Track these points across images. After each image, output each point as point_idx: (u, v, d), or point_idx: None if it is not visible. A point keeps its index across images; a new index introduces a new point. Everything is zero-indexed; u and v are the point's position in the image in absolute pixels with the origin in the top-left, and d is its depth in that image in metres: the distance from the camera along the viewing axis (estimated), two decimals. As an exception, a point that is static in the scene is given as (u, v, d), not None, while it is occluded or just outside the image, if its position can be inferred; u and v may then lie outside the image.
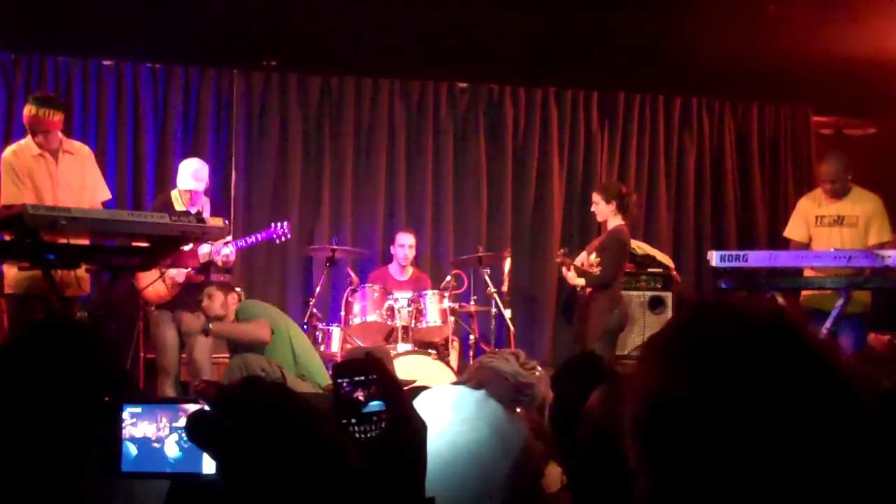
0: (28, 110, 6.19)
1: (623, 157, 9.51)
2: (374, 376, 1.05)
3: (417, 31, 7.63)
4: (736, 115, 9.82)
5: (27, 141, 6.32)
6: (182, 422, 1.60)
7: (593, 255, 6.95)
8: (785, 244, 7.29)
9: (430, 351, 7.18)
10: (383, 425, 1.03)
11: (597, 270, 6.87)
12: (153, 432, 1.62)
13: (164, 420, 1.61)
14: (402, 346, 7.22)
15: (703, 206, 9.63)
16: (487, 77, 9.17)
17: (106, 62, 8.46)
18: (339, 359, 6.92)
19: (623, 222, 7.05)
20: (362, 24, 7.53)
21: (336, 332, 7.46)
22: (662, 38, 7.72)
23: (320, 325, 7.56)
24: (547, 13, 7.28)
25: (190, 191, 6.93)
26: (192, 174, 6.98)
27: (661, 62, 8.40)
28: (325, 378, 6.25)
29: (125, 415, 1.63)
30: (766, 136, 9.85)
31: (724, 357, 1.06)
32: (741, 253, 6.41)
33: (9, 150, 6.37)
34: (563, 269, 7.10)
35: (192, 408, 1.61)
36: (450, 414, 1.93)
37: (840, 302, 6.21)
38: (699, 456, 1.04)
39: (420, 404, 1.44)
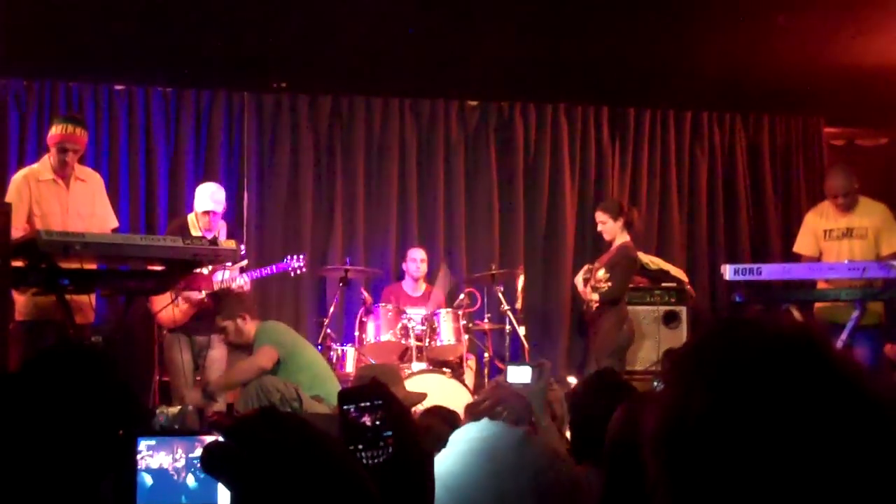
0: (58, 129, 6.22)
1: (635, 171, 9.50)
2: (380, 402, 1.05)
3: (426, 50, 7.65)
4: (747, 127, 9.79)
5: (40, 165, 6.35)
6: (198, 452, 1.60)
7: (602, 272, 6.96)
8: (797, 259, 7.26)
9: (444, 369, 7.17)
10: (390, 451, 1.02)
11: (606, 286, 6.88)
12: (169, 463, 1.61)
13: (179, 451, 1.61)
14: (417, 366, 7.22)
15: (716, 220, 9.60)
16: (497, 94, 9.18)
17: (117, 87, 8.49)
18: (354, 378, 6.91)
19: (629, 238, 7.10)
20: (371, 43, 7.55)
21: (350, 352, 7.46)
22: (672, 52, 7.71)
23: (335, 346, 7.56)
24: (556, 30, 7.29)
25: (209, 212, 6.95)
26: (209, 196, 7.01)
27: (671, 76, 8.39)
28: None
29: (141, 446, 1.63)
30: (778, 148, 9.82)
31: (746, 373, 1.04)
32: (755, 266, 6.41)
33: (20, 173, 6.40)
34: (582, 284, 7.09)
35: (208, 439, 1.61)
36: (487, 463, 1.89)
37: (855, 314, 6.19)
38: (719, 473, 1.02)
39: (456, 445, 1.43)
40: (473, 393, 7.00)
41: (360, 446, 1.03)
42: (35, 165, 6.44)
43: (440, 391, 6.54)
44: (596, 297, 6.97)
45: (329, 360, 7.47)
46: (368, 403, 1.06)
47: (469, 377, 7.50)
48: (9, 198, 6.10)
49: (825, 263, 6.76)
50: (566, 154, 9.31)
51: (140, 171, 8.48)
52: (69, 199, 6.31)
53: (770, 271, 6.35)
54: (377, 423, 1.05)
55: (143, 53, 7.74)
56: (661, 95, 9.16)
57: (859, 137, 10.20)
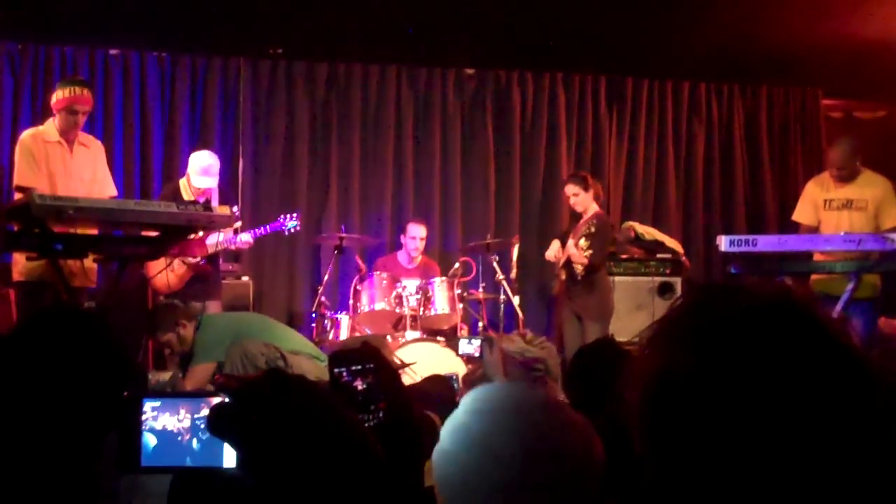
0: (66, 92, 6.20)
1: (632, 142, 9.48)
2: (372, 365, 1.04)
3: (424, 19, 7.60)
4: (745, 99, 9.77)
5: (46, 127, 6.34)
6: (203, 414, 1.59)
7: (582, 241, 6.97)
8: (794, 229, 7.25)
9: (438, 338, 7.18)
10: (381, 415, 1.02)
11: (588, 254, 6.91)
12: (174, 425, 1.60)
13: (184, 412, 1.60)
14: (411, 334, 7.22)
15: (713, 191, 9.60)
16: (494, 63, 9.13)
17: (112, 51, 8.45)
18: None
19: (598, 207, 7.20)
20: (368, 10, 7.50)
21: (344, 320, 7.46)
22: (670, 22, 7.68)
23: (328, 314, 7.56)
24: (553, 1, 7.25)
25: (204, 190, 6.94)
26: (205, 170, 6.96)
27: (670, 46, 8.36)
28: (324, 356, 6.19)
29: (146, 407, 1.62)
30: (776, 119, 9.80)
31: (730, 334, 1.04)
32: (750, 237, 6.39)
33: (27, 133, 6.38)
34: (575, 249, 7.08)
35: (214, 400, 1.60)
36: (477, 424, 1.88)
37: (850, 286, 6.19)
38: (705, 435, 1.01)
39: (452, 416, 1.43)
40: (467, 362, 7.01)
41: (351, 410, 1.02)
42: (40, 127, 6.42)
43: (434, 360, 6.55)
44: (580, 267, 6.99)
45: (323, 328, 7.48)
46: (360, 367, 1.05)
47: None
48: (22, 157, 6.15)
49: (821, 235, 6.75)
50: (563, 124, 9.29)
51: (135, 137, 8.45)
52: (72, 163, 6.30)
53: (765, 243, 6.33)
54: (368, 386, 1.04)
55: (139, 18, 7.68)
56: (659, 66, 9.12)
57: (857, 110, 10.17)
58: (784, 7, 7.30)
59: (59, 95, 6.24)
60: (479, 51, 8.71)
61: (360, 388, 1.03)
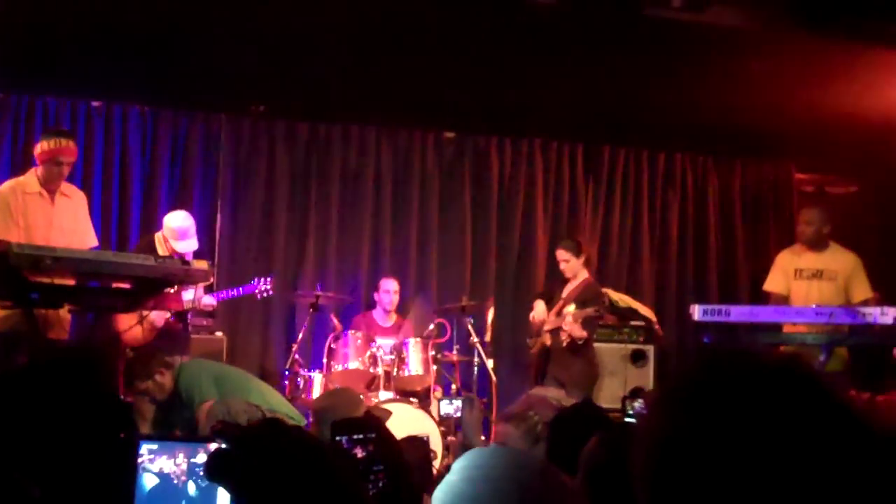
0: (51, 143, 6.22)
1: (607, 209, 9.57)
2: (373, 435, 1.06)
3: (407, 82, 7.69)
4: (719, 170, 9.90)
5: (27, 177, 6.34)
6: (200, 458, 1.60)
7: (571, 307, 7.02)
8: (765, 299, 7.32)
9: (411, 399, 7.16)
10: (381, 484, 1.03)
11: (583, 330, 6.97)
12: (170, 468, 1.61)
13: (181, 456, 1.61)
14: (384, 394, 7.21)
15: (686, 260, 9.68)
16: (474, 127, 9.23)
17: (95, 103, 8.47)
18: (314, 404, 6.87)
19: (588, 274, 7.28)
20: (350, 71, 7.59)
21: (318, 378, 7.43)
22: (646, 94, 7.79)
23: (302, 371, 7.53)
24: (533, 69, 7.36)
25: (185, 253, 6.94)
26: (182, 233, 6.99)
27: (646, 117, 8.48)
28: (299, 416, 6.17)
29: (143, 450, 1.62)
30: (749, 191, 9.93)
31: (734, 398, 1.04)
32: (723, 307, 6.45)
33: (5, 184, 6.38)
34: (571, 321, 7.08)
35: (211, 446, 1.61)
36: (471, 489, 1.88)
37: (822, 358, 6.24)
38: (708, 499, 1.02)
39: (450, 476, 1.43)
40: (440, 424, 7.00)
41: None
42: (21, 178, 6.42)
43: (407, 421, 6.52)
44: (567, 336, 7.02)
45: (296, 385, 7.45)
46: (361, 436, 1.07)
47: (435, 408, 7.48)
48: None
49: (793, 308, 6.82)
50: (540, 189, 9.37)
51: (114, 188, 8.44)
52: (54, 214, 6.30)
53: (738, 313, 6.40)
54: (368, 454, 1.06)
55: (122, 72, 7.73)
56: (636, 136, 9.26)
57: (829, 185, 10.32)
58: (758, 83, 7.43)
59: (43, 147, 6.25)
60: (458, 115, 8.81)
61: (360, 455, 1.04)
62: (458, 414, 7.18)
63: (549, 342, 7.23)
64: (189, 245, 7.00)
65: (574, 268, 7.30)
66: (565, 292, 7.35)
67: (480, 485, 1.36)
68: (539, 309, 7.38)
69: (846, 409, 1.04)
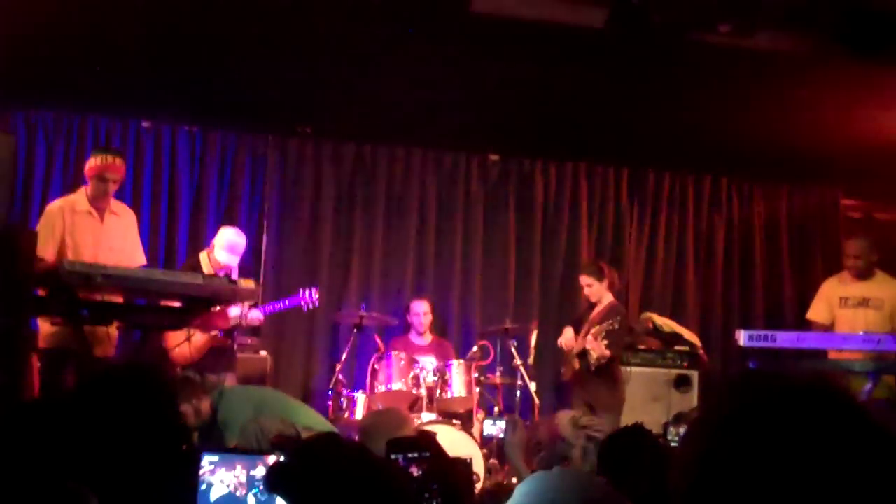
0: (98, 160, 6.32)
1: (652, 233, 9.54)
2: (428, 454, 1.07)
3: (450, 105, 7.73)
4: (765, 195, 9.84)
5: (77, 196, 6.42)
6: (259, 471, 1.63)
7: (602, 335, 7.01)
8: (808, 327, 7.26)
9: (454, 421, 7.16)
10: (435, 503, 1.05)
11: (606, 349, 6.96)
12: (230, 480, 1.64)
13: (240, 469, 1.64)
14: (427, 416, 7.21)
15: (731, 286, 9.61)
16: (519, 150, 9.25)
17: (145, 124, 8.60)
18: (361, 424, 6.89)
19: (613, 297, 7.38)
20: (397, 93, 7.64)
21: (361, 398, 7.45)
22: (694, 118, 7.78)
23: (345, 392, 7.56)
24: (579, 93, 7.38)
25: (225, 265, 7.00)
26: (231, 247, 7.04)
27: (692, 142, 8.46)
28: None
29: (204, 462, 1.66)
30: (795, 217, 9.85)
31: (769, 416, 1.07)
32: (769, 333, 6.39)
33: (54, 204, 6.47)
34: (591, 339, 7.09)
35: (269, 459, 1.65)
36: None
37: (868, 386, 6.16)
38: None
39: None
40: (482, 446, 6.99)
41: None
42: (71, 196, 6.51)
43: (449, 443, 6.47)
44: (595, 358, 7.02)
45: (339, 406, 7.48)
46: (416, 454, 1.08)
47: (477, 430, 7.48)
48: (42, 228, 6.17)
49: (839, 334, 6.75)
50: (584, 213, 9.37)
51: (162, 207, 8.55)
52: (102, 232, 6.37)
53: (785, 339, 6.33)
54: (424, 473, 1.08)
55: (172, 93, 7.84)
56: (682, 160, 9.23)
57: (877, 211, 10.21)
58: (805, 108, 7.39)
59: (91, 163, 6.36)
60: (503, 138, 8.84)
61: (415, 474, 1.06)
62: (502, 435, 7.18)
63: (577, 366, 7.22)
64: (230, 259, 7.04)
65: (598, 292, 7.32)
66: (591, 317, 7.36)
67: None
68: (567, 335, 7.38)
69: (876, 427, 1.06)
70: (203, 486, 1.67)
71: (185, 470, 1.66)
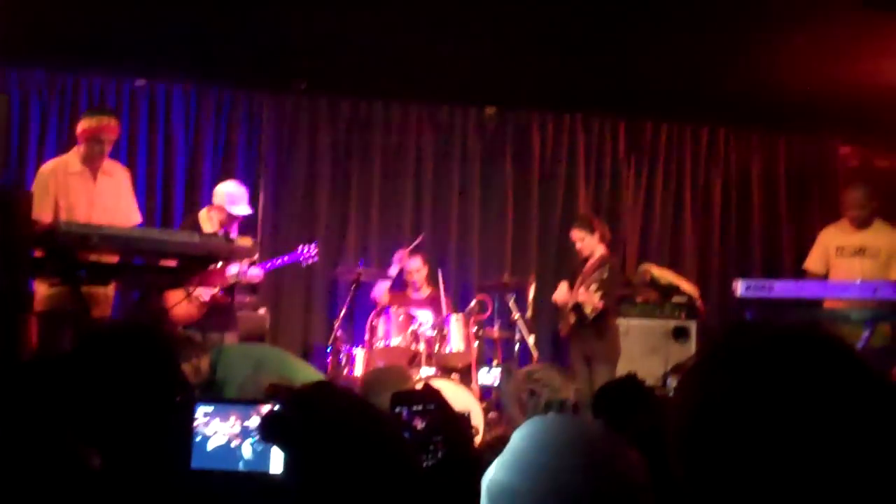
0: (92, 121, 6.26)
1: (649, 185, 9.52)
2: (433, 406, 1.07)
3: (446, 57, 7.67)
4: (763, 145, 9.80)
5: (69, 157, 6.38)
6: (253, 421, 1.64)
7: (594, 286, 7.01)
8: (805, 277, 7.26)
9: (453, 375, 7.19)
10: (439, 455, 1.05)
11: (600, 300, 6.96)
12: (225, 430, 1.64)
13: (235, 419, 1.64)
14: (426, 371, 7.24)
15: (729, 236, 9.61)
16: (515, 103, 9.20)
17: (139, 82, 8.54)
18: (362, 382, 6.92)
19: (605, 250, 7.33)
20: (392, 48, 7.58)
21: (360, 354, 7.48)
22: (690, 68, 7.73)
23: (344, 348, 7.58)
24: (575, 42, 7.32)
25: (234, 216, 6.95)
26: (237, 198, 6.99)
27: (689, 92, 8.41)
28: None
29: (198, 412, 1.66)
30: (793, 166, 9.82)
31: (762, 361, 1.08)
32: (767, 282, 6.37)
33: (46, 165, 6.43)
34: (584, 290, 7.10)
35: (263, 408, 1.65)
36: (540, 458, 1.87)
37: (865, 334, 6.17)
38: (742, 459, 1.05)
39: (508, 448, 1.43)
40: (481, 400, 7.03)
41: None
42: (63, 157, 6.47)
43: (448, 397, 6.53)
44: (591, 310, 7.03)
45: (338, 361, 7.50)
46: (421, 407, 1.08)
47: (476, 384, 7.52)
48: (36, 190, 6.13)
49: (837, 282, 6.75)
50: (582, 165, 9.34)
51: (158, 167, 8.54)
52: (95, 193, 6.34)
53: (782, 288, 6.32)
54: (428, 426, 1.08)
55: (166, 50, 7.78)
56: (679, 111, 9.18)
57: (876, 158, 10.17)
58: (804, 54, 7.34)
59: (84, 125, 6.30)
60: (500, 90, 8.78)
61: (419, 427, 1.06)
62: (497, 384, 7.20)
63: (573, 320, 7.22)
64: (244, 209, 7.02)
65: (590, 245, 7.30)
66: (584, 270, 7.36)
67: (547, 450, 1.37)
68: (561, 290, 7.37)
69: (871, 372, 1.08)
70: (198, 438, 1.68)
71: (180, 421, 1.66)
